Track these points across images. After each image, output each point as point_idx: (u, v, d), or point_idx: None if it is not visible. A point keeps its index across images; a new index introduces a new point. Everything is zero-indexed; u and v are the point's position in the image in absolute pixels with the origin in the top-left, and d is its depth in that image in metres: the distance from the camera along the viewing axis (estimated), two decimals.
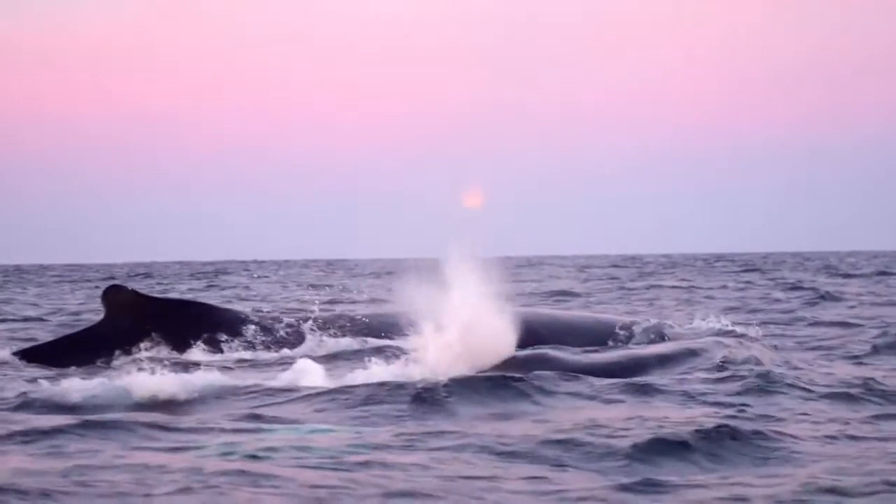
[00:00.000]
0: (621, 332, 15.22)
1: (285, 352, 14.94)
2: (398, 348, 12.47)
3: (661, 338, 14.98)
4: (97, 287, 41.16)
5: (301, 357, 14.67)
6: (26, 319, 23.81)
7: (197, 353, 14.83)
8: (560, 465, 6.79)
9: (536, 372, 10.41)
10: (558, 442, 7.33)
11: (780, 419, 9.25)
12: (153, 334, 15.10)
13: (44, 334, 19.03)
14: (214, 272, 63.25)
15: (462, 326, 11.12)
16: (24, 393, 10.13)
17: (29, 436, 7.93)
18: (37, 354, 15.15)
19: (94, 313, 25.24)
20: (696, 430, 7.93)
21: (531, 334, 13.47)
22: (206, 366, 12.47)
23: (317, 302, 19.64)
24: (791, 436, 8.04)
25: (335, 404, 9.38)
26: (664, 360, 11.96)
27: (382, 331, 15.23)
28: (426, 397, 9.21)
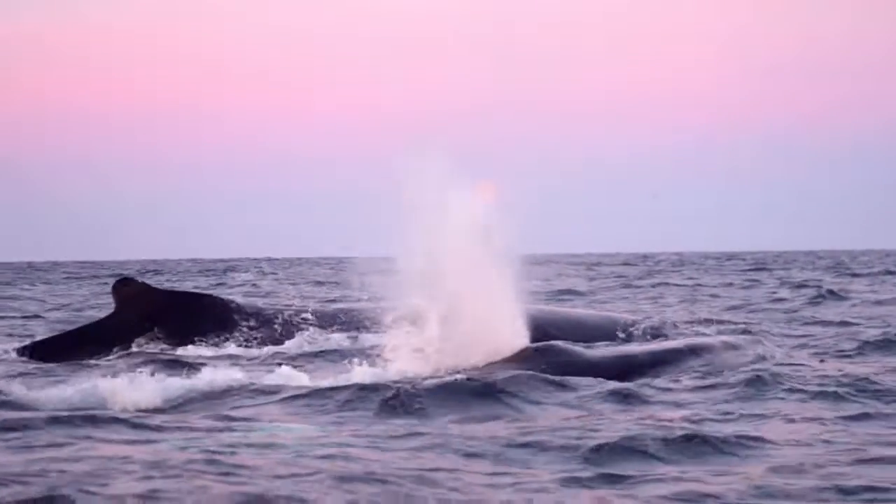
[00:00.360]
0: (625, 330, 15.25)
1: (288, 344, 15.02)
2: (383, 346, 12.50)
3: (663, 336, 15.00)
4: (104, 284, 41.27)
5: (293, 350, 14.77)
6: (26, 317, 23.87)
7: (203, 344, 14.88)
8: (519, 461, 6.77)
9: (528, 371, 10.42)
10: (524, 442, 7.31)
11: (760, 417, 9.23)
12: (160, 328, 15.16)
13: (42, 331, 19.04)
14: (224, 269, 63.38)
15: (475, 318, 11.20)
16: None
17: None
18: (46, 348, 15.21)
19: (96, 309, 25.31)
20: (668, 430, 7.91)
21: (539, 330, 13.52)
22: (194, 363, 12.50)
23: (315, 298, 19.67)
24: (762, 438, 8.00)
25: (308, 404, 9.42)
26: (664, 357, 11.96)
27: (377, 326, 15.24)
28: (398, 399, 9.22)
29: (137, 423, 8.29)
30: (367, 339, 14.85)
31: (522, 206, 12.52)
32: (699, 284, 34.58)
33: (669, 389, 10.68)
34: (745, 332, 15.38)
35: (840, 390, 10.53)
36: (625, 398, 9.99)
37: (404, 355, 11.50)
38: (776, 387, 10.65)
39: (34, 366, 13.90)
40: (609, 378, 10.84)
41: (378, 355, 11.93)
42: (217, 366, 12.65)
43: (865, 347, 14.49)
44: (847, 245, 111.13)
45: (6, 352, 15.17)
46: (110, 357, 14.40)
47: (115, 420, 8.31)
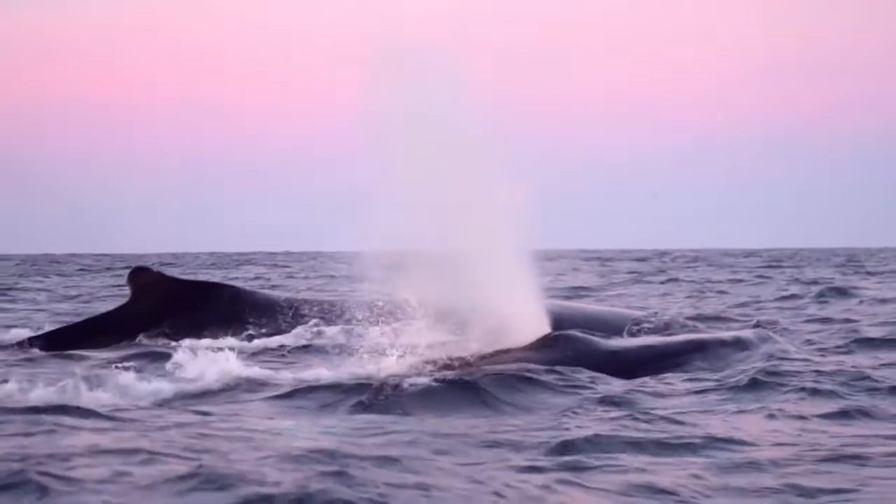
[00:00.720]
0: (636, 325, 15.27)
1: (293, 336, 15.05)
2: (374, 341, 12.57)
3: (673, 331, 15.03)
4: (117, 276, 41.41)
5: (294, 343, 14.82)
6: (33, 309, 23.96)
7: (211, 335, 14.91)
8: (485, 455, 6.77)
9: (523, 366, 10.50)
10: (494, 440, 7.31)
11: (744, 413, 9.22)
12: (174, 317, 15.21)
13: (42, 322, 19.10)
14: (238, 263, 63.50)
15: (497, 306, 11.46)
16: None
17: None
18: (60, 338, 15.28)
19: (102, 301, 25.43)
20: (645, 425, 7.94)
21: (554, 322, 13.60)
22: (193, 355, 12.53)
23: (324, 292, 19.70)
24: (737, 435, 7.96)
25: (289, 399, 9.46)
26: (676, 350, 12.03)
27: (375, 319, 15.25)
28: (377, 396, 9.24)
29: (110, 414, 8.33)
30: (366, 332, 14.90)
31: (533, 202, 12.62)
32: (709, 281, 34.54)
33: (668, 384, 10.70)
34: (756, 327, 15.40)
35: (836, 388, 10.50)
36: (611, 394, 9.99)
37: (394, 351, 11.57)
38: (773, 383, 10.62)
39: (41, 355, 13.99)
40: (624, 367, 11.08)
41: (370, 350, 12.00)
42: (216, 359, 12.71)
43: (863, 345, 14.47)
44: (867, 243, 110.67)
45: (19, 342, 15.26)
46: (123, 346, 14.43)
47: (90, 413, 8.36)
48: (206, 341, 14.71)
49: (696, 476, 6.56)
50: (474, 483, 5.99)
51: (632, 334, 14.83)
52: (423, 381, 9.81)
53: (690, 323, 16.19)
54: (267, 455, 6.37)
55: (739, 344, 12.59)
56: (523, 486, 5.96)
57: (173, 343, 14.37)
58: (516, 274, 11.89)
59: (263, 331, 15.41)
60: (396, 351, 11.75)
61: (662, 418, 8.48)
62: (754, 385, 10.63)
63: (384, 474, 6.01)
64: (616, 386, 10.40)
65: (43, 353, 14.29)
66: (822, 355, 13.66)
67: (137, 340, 14.97)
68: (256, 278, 41.28)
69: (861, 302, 23.61)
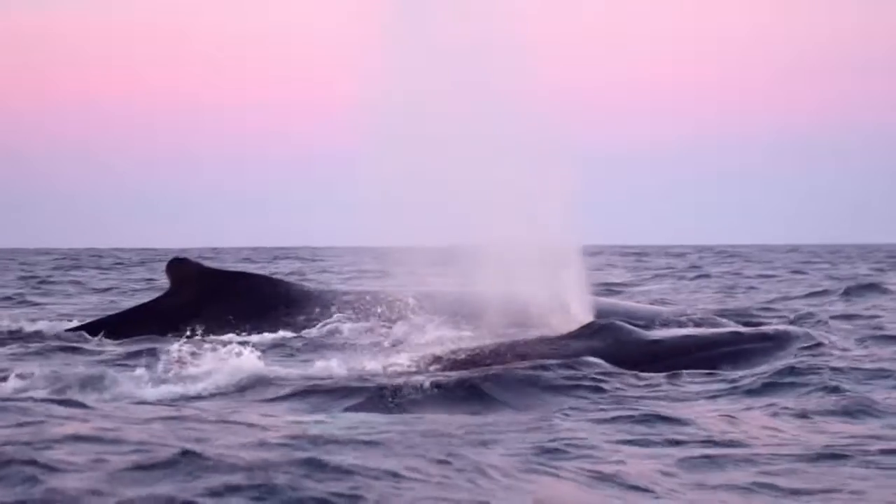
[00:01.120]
0: (666, 323, 15.25)
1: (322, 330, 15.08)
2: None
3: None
4: (150, 269, 41.64)
5: (321, 333, 14.86)
6: (63, 303, 24.14)
7: (245, 326, 14.96)
8: (465, 451, 6.73)
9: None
10: (481, 439, 7.26)
11: (750, 410, 9.16)
12: (211, 308, 15.27)
13: (70, 314, 19.22)
14: (276, 257, 63.70)
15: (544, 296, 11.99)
16: None
17: None
18: (97, 329, 15.41)
19: (126, 295, 25.59)
20: (638, 422, 7.90)
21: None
22: (222, 348, 12.53)
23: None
24: (730, 433, 7.90)
25: (292, 395, 9.46)
26: (713, 342, 12.14)
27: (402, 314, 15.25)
28: (369, 394, 9.26)
29: (101, 406, 8.38)
30: (389, 327, 14.91)
31: (575, 196, 12.70)
32: (742, 276, 34.42)
33: (684, 378, 10.67)
34: (792, 322, 15.37)
35: (850, 385, 10.41)
36: (613, 391, 9.96)
37: (406, 348, 11.64)
38: (791, 382, 10.56)
39: (70, 346, 14.13)
40: (662, 357, 11.36)
41: (391, 345, 12.01)
42: (227, 353, 12.73)
43: (882, 341, 14.33)
44: None
45: (56, 333, 15.39)
46: (155, 338, 14.47)
47: (82, 405, 8.40)
48: (237, 332, 14.76)
49: (677, 472, 6.52)
50: (444, 478, 5.97)
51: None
52: (428, 378, 9.80)
53: (713, 318, 16.11)
54: (247, 447, 6.37)
55: (775, 339, 12.55)
56: (497, 481, 5.94)
57: (209, 335, 14.43)
58: (562, 267, 12.19)
59: (295, 321, 15.44)
60: (416, 346, 11.79)
61: (659, 417, 8.41)
62: (772, 382, 10.57)
63: (359, 468, 5.99)
64: (621, 382, 10.34)
65: (69, 344, 14.41)
66: (842, 351, 13.55)
67: (174, 331, 15.04)
68: (290, 273, 41.42)
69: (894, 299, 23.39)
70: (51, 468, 5.94)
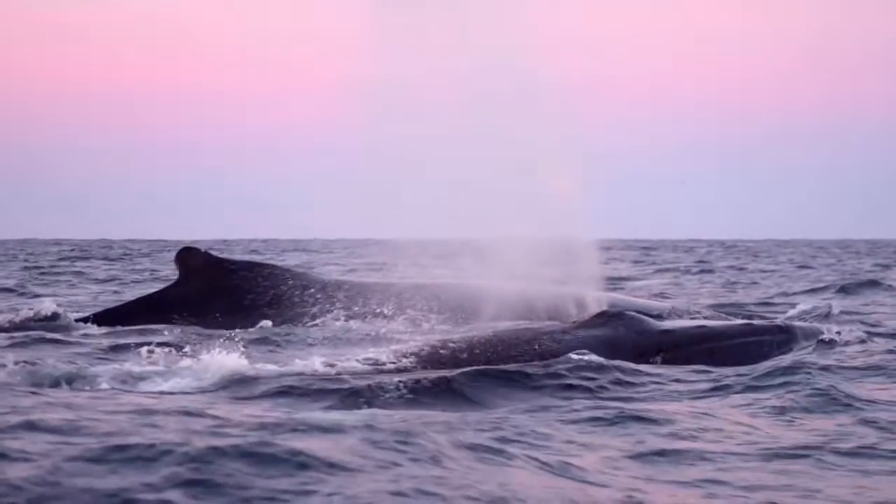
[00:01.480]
0: (668, 317, 15.27)
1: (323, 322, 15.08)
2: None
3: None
4: (154, 260, 41.74)
5: (323, 325, 14.86)
6: (64, 294, 24.18)
7: (257, 313, 14.97)
8: (429, 447, 6.70)
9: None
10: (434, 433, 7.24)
11: (738, 407, 9.14)
12: (218, 298, 15.30)
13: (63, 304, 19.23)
14: (285, 249, 63.81)
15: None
16: None
17: None
18: (107, 318, 15.45)
19: (128, 286, 25.64)
20: (615, 415, 7.87)
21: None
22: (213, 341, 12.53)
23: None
24: (705, 430, 7.88)
25: (274, 390, 9.44)
26: (721, 336, 12.13)
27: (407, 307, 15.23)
28: (351, 388, 9.24)
29: (68, 396, 8.39)
30: (388, 320, 14.91)
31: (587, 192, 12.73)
32: (745, 271, 34.42)
33: (677, 376, 10.65)
34: (803, 317, 15.39)
35: (833, 384, 10.37)
36: (602, 382, 9.94)
37: (413, 339, 11.67)
38: (779, 376, 10.54)
39: (81, 334, 14.17)
40: (670, 347, 11.48)
41: (387, 338, 12.02)
42: (217, 347, 12.73)
43: (878, 339, 14.28)
44: None
45: (65, 323, 15.41)
46: (160, 328, 14.47)
47: (50, 395, 8.41)
48: (244, 321, 14.75)
49: (629, 466, 6.51)
50: (398, 472, 5.98)
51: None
52: (405, 375, 9.80)
53: (707, 312, 16.14)
54: (205, 439, 6.36)
55: (782, 333, 12.54)
56: (452, 470, 5.95)
57: (217, 324, 14.41)
58: (573, 260, 12.32)
59: (301, 311, 15.44)
60: (415, 339, 11.80)
61: (631, 414, 8.38)
62: (757, 378, 10.56)
63: (313, 461, 5.99)
64: (605, 378, 10.32)
65: (53, 336, 14.41)
66: (831, 347, 13.51)
67: (183, 321, 15.09)
68: (296, 266, 41.46)
69: (893, 295, 23.42)
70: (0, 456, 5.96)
